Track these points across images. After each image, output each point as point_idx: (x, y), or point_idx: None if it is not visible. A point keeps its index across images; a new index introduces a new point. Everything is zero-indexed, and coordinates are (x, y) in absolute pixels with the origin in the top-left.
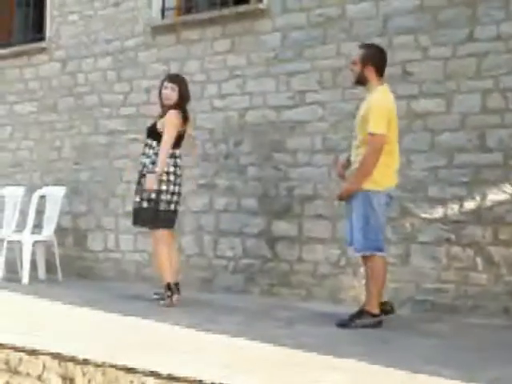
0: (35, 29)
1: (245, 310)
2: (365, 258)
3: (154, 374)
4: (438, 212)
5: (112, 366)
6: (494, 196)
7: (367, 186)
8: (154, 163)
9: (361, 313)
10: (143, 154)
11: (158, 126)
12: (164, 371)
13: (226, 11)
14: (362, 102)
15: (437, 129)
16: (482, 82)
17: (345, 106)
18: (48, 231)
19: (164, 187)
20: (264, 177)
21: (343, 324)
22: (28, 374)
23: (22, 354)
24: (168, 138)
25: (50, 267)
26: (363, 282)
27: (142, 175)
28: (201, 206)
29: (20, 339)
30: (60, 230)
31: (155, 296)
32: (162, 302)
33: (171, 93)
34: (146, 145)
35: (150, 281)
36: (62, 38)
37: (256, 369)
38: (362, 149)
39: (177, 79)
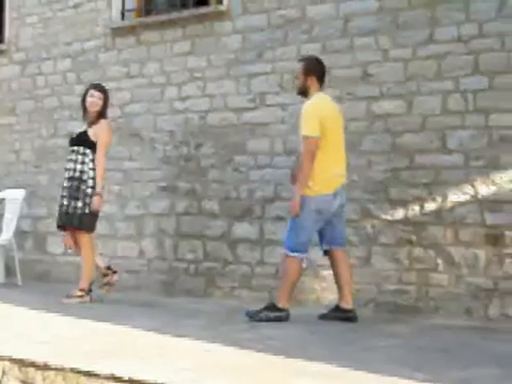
0: None
1: (207, 313)
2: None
3: (116, 378)
4: (399, 213)
5: (73, 371)
6: (455, 197)
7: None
8: (94, 169)
9: (269, 306)
10: (74, 160)
11: (91, 135)
12: (125, 375)
13: (186, 13)
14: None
15: (397, 130)
16: (442, 83)
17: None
18: (7, 235)
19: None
20: (225, 179)
21: (251, 315)
22: None
23: None
24: (103, 151)
25: (9, 271)
26: (323, 284)
27: (81, 180)
28: (161, 209)
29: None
30: (19, 234)
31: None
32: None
33: (98, 101)
34: (77, 152)
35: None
36: (21, 40)
37: (224, 373)
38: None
39: (103, 88)
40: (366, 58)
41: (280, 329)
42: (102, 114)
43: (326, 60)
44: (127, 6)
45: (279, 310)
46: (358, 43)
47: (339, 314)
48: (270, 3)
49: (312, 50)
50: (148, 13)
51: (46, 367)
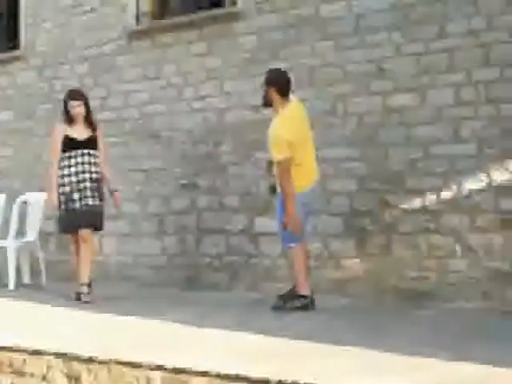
0: (10, 37)
1: (233, 305)
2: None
3: (160, 368)
4: (417, 202)
5: (117, 363)
6: (470, 185)
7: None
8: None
9: (291, 296)
10: (93, 162)
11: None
12: (169, 364)
13: (201, 14)
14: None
15: (412, 122)
16: (454, 75)
17: (320, 104)
18: (31, 236)
19: None
20: (244, 175)
21: (277, 307)
22: (32, 375)
23: (25, 355)
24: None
25: (34, 272)
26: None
27: (100, 181)
28: (183, 206)
29: (22, 341)
30: (43, 235)
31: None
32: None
33: (81, 109)
34: (93, 155)
35: (134, 280)
36: (38, 45)
37: (260, 359)
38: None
39: (81, 96)
40: (380, 53)
41: (305, 317)
42: (90, 117)
43: (341, 56)
44: (142, 10)
45: (302, 297)
46: (371, 39)
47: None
48: (284, 3)
49: (326, 47)
50: (163, 16)
51: (90, 360)
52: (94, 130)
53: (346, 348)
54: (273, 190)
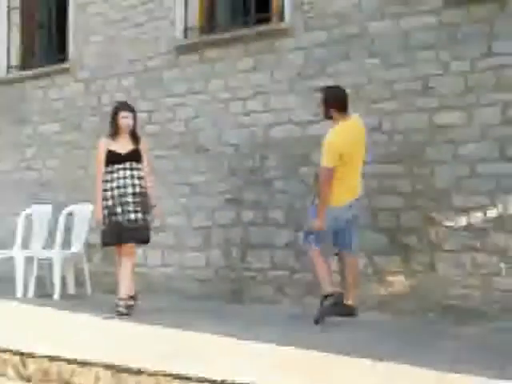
0: (58, 50)
1: (277, 319)
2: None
3: (209, 381)
4: (462, 220)
5: (166, 375)
6: None
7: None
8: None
9: (321, 301)
10: (136, 176)
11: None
12: (218, 377)
13: (248, 30)
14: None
15: (458, 140)
16: (501, 94)
17: (367, 121)
18: (77, 247)
19: None
20: (290, 190)
21: (317, 319)
22: None
23: (74, 365)
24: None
25: (79, 283)
26: (389, 289)
27: (146, 194)
28: (228, 220)
29: (70, 352)
30: (88, 246)
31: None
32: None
33: (130, 121)
34: (136, 168)
35: (178, 293)
36: (85, 58)
37: (299, 372)
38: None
39: (132, 108)
40: (427, 71)
41: (349, 332)
42: (135, 130)
43: (388, 74)
44: (190, 24)
45: (329, 295)
46: (418, 57)
47: (340, 309)
48: (331, 19)
49: (373, 64)
50: (210, 31)
51: (139, 372)
52: (137, 142)
53: (387, 364)
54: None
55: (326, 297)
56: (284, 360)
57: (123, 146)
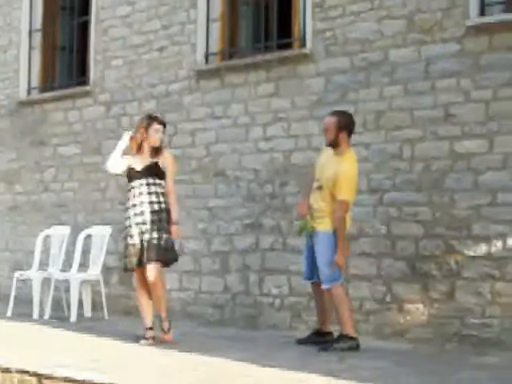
0: (79, 73)
1: (295, 345)
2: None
3: None
4: (482, 249)
5: None
6: None
7: (329, 228)
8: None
9: (339, 338)
10: (153, 192)
11: (160, 166)
12: None
13: (269, 56)
14: (323, 154)
15: (479, 168)
16: None
17: (388, 147)
18: (94, 270)
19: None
20: None
21: (325, 348)
22: None
23: None
24: (173, 180)
25: (95, 305)
26: (408, 318)
27: (166, 212)
28: (247, 245)
29: (92, 375)
30: (106, 269)
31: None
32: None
33: (162, 136)
34: (153, 184)
35: (196, 318)
36: (106, 81)
37: None
38: (318, 193)
39: (164, 122)
40: (448, 99)
41: (368, 360)
42: (161, 146)
43: (409, 101)
44: (211, 50)
45: (351, 339)
46: (440, 85)
47: (318, 338)
48: (353, 46)
49: (394, 91)
50: (231, 56)
51: None
52: (157, 155)
53: None
54: (304, 229)
55: (348, 338)
56: None
57: (141, 160)
